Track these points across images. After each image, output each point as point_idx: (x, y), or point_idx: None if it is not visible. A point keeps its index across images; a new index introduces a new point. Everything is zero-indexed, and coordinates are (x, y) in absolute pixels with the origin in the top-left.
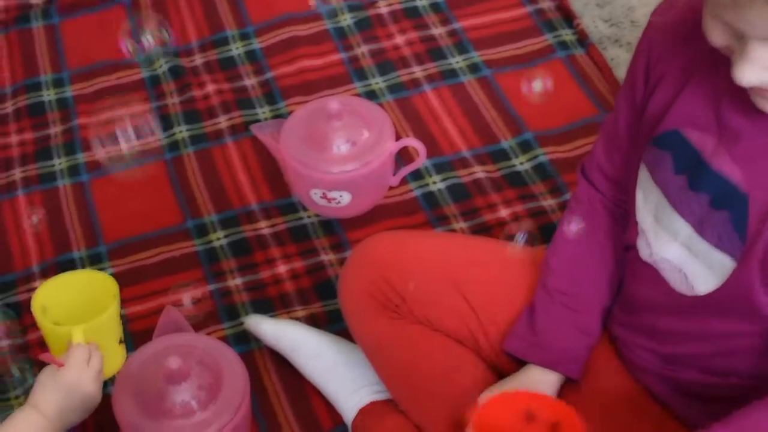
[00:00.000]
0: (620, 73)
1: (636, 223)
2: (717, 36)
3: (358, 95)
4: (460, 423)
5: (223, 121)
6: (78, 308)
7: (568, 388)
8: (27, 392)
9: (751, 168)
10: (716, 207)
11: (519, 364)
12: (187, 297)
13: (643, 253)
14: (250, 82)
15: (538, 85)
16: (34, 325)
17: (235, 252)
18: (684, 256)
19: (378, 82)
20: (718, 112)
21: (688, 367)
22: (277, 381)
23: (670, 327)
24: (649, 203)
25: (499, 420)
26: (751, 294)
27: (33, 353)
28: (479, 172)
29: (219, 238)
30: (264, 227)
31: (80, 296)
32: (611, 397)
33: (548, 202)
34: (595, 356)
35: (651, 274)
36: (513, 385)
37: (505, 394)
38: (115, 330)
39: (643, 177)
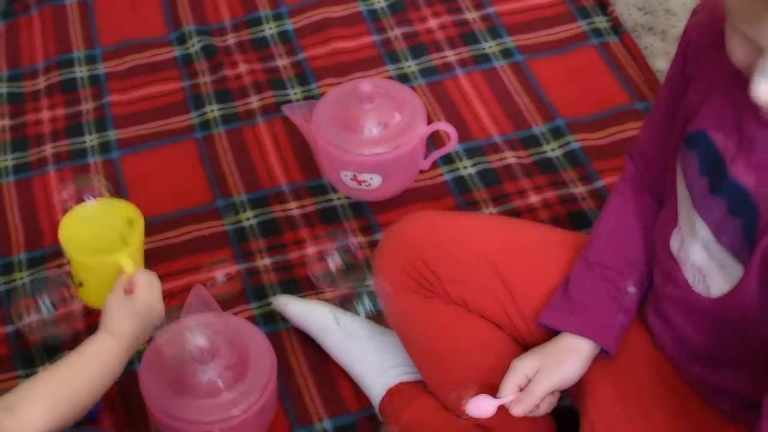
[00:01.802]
0: (654, 61)
1: (673, 215)
2: (737, 51)
3: (390, 78)
4: None
5: (254, 101)
6: (98, 239)
7: (596, 365)
8: None
9: (762, 178)
10: (733, 214)
11: None
12: (215, 276)
13: (674, 246)
14: (282, 62)
15: None
16: (64, 301)
17: (264, 232)
18: (704, 257)
19: (410, 66)
20: (741, 119)
21: (705, 362)
22: (304, 362)
23: (687, 327)
24: (682, 199)
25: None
26: (754, 301)
27: (61, 328)
28: (510, 157)
29: (248, 218)
30: (294, 208)
31: (97, 227)
32: (641, 375)
33: (578, 189)
34: (628, 336)
35: (674, 269)
36: (544, 352)
37: None
38: (142, 252)
39: (678, 173)
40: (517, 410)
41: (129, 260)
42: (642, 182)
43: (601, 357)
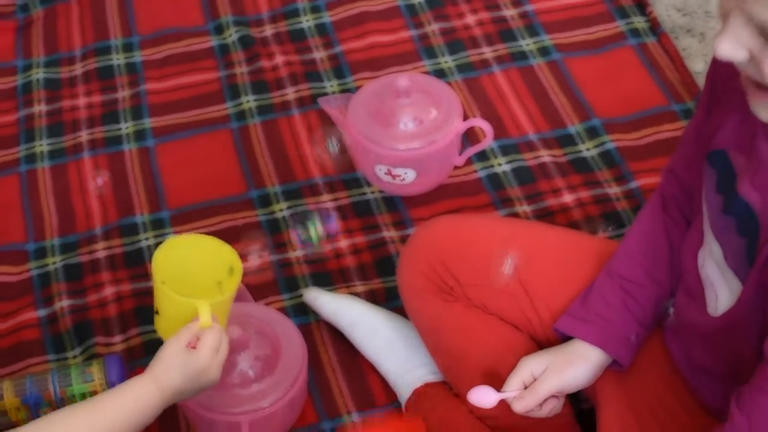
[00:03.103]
0: (691, 63)
1: (699, 234)
2: (741, 44)
3: (427, 73)
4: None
5: (290, 93)
6: (194, 277)
7: (610, 379)
8: (86, 350)
9: (765, 196)
10: (740, 233)
11: None
12: (247, 266)
13: (699, 261)
14: (319, 55)
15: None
16: (96, 286)
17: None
18: (717, 275)
19: (447, 61)
20: (754, 140)
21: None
22: (334, 355)
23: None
24: (705, 218)
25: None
26: (747, 316)
27: (93, 314)
28: (545, 155)
29: (282, 209)
30: (327, 201)
31: (196, 263)
32: (656, 393)
33: (613, 190)
34: (644, 352)
35: (697, 288)
36: (554, 353)
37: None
38: (228, 308)
39: (703, 192)
40: (519, 407)
41: (208, 312)
42: (674, 200)
43: (616, 371)
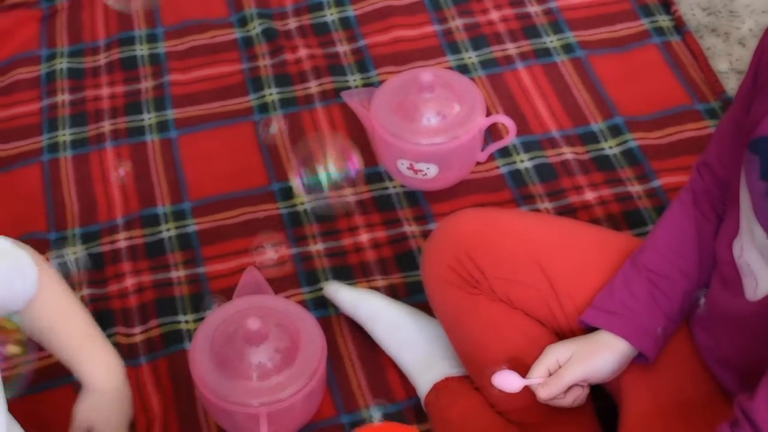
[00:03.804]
0: (715, 62)
1: (735, 223)
2: None
3: (450, 68)
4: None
5: (313, 86)
6: None
7: (635, 373)
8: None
9: None
10: None
11: None
12: (268, 259)
13: (735, 252)
14: (342, 48)
15: None
16: (116, 276)
17: (318, 217)
18: (759, 262)
19: (471, 57)
20: None
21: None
22: (353, 349)
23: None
24: (743, 206)
25: None
26: None
27: (113, 304)
28: (567, 153)
29: (303, 203)
30: (349, 194)
31: None
32: (681, 387)
33: (635, 188)
34: (670, 347)
35: (734, 276)
36: (580, 342)
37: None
38: None
39: (742, 180)
40: (543, 393)
41: None
42: (705, 194)
43: (641, 365)
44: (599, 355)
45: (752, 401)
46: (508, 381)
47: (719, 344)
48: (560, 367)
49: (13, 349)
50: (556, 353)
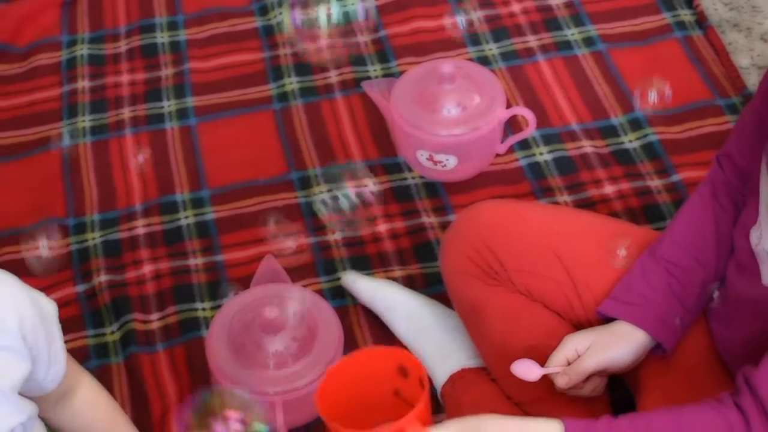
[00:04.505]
0: (737, 58)
1: (754, 212)
2: None
3: (471, 60)
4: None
5: (333, 76)
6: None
7: (652, 365)
8: (123, 326)
9: None
10: None
11: None
12: (286, 247)
13: (753, 240)
14: (363, 38)
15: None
16: (134, 263)
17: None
18: None
19: (491, 49)
20: None
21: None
22: (370, 338)
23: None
24: (764, 195)
25: (374, 370)
26: None
27: (130, 291)
28: (587, 146)
29: (322, 192)
30: (368, 185)
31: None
32: (698, 380)
33: (654, 183)
34: (687, 339)
35: (751, 264)
36: (598, 332)
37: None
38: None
39: (763, 170)
40: (562, 382)
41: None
42: (724, 186)
43: (658, 357)
44: (617, 346)
45: (756, 371)
46: (526, 369)
47: (733, 333)
48: (579, 356)
49: None
50: (575, 343)
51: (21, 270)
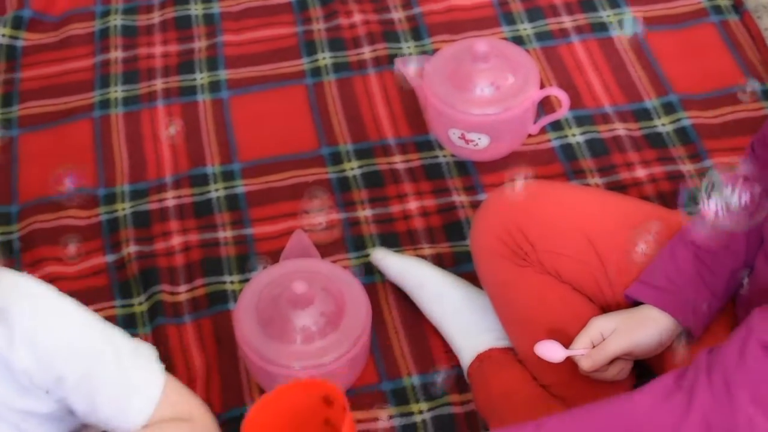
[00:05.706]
0: None
1: None
2: None
3: (505, 39)
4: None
5: (367, 52)
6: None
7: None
8: (151, 297)
9: None
10: None
11: None
12: (316, 223)
13: None
14: (397, 15)
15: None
16: (164, 234)
17: (367, 183)
18: None
19: (526, 28)
20: None
21: None
22: (397, 316)
23: None
24: None
25: (302, 402)
26: None
27: (159, 262)
28: (620, 128)
29: (353, 168)
30: (398, 162)
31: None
32: None
33: (686, 167)
34: (713, 329)
35: None
36: (624, 315)
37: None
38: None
39: None
40: (586, 365)
41: None
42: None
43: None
44: (643, 329)
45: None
46: (551, 351)
47: None
48: (603, 339)
49: None
50: (600, 326)
51: (51, 237)
